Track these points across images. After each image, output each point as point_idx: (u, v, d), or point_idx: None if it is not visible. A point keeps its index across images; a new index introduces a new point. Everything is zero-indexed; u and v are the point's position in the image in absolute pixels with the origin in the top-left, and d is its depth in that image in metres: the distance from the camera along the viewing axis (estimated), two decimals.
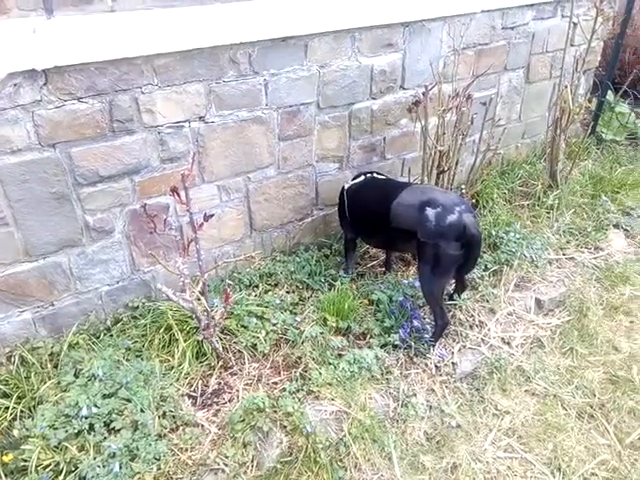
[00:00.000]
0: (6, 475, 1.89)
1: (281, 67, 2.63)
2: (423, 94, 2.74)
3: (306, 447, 1.98)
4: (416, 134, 3.35)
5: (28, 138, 2.11)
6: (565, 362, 2.54)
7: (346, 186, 2.87)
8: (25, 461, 1.90)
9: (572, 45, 3.92)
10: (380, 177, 2.91)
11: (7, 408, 2.14)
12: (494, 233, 3.18)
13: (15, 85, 2.01)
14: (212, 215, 2.05)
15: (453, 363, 2.45)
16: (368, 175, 2.90)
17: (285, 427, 2.05)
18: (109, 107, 2.24)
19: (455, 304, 2.73)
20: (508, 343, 2.59)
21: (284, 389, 2.27)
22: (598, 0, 3.19)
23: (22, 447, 1.93)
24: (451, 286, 2.80)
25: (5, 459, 1.90)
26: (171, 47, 2.27)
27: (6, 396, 2.19)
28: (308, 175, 3.05)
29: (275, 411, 2.12)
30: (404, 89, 3.17)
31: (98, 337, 2.57)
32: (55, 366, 2.39)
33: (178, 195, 1.93)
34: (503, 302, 2.78)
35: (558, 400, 2.36)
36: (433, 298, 2.51)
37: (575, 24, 3.66)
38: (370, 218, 2.75)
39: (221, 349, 2.44)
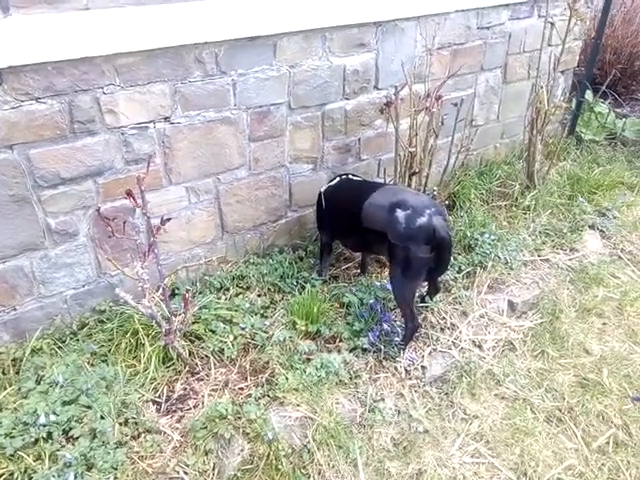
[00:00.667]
0: None
1: (249, 67, 2.59)
2: (394, 95, 2.71)
3: (268, 454, 1.95)
4: (391, 135, 3.30)
5: None
6: (536, 365, 2.52)
7: (322, 189, 2.87)
8: None
9: (550, 45, 3.91)
10: (356, 179, 2.89)
11: None
12: (469, 234, 3.16)
13: None
14: (169, 219, 2.01)
15: (423, 367, 2.43)
16: (343, 177, 2.88)
17: (248, 434, 2.02)
18: (69, 108, 2.19)
19: (427, 306, 2.71)
20: (479, 346, 2.57)
21: (250, 395, 2.24)
22: (572, 0, 3.17)
23: None
24: (424, 288, 2.78)
25: None
26: (133, 46, 2.22)
27: None
28: (281, 176, 3.01)
29: (239, 418, 2.08)
30: (378, 89, 3.14)
31: (64, 341, 2.52)
32: (17, 372, 2.34)
33: (133, 198, 1.89)
34: (476, 304, 2.76)
35: (527, 404, 2.34)
36: (404, 301, 2.48)
37: (552, 24, 3.64)
38: (344, 219, 2.72)
39: (187, 354, 2.41)
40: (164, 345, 2.27)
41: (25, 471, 1.87)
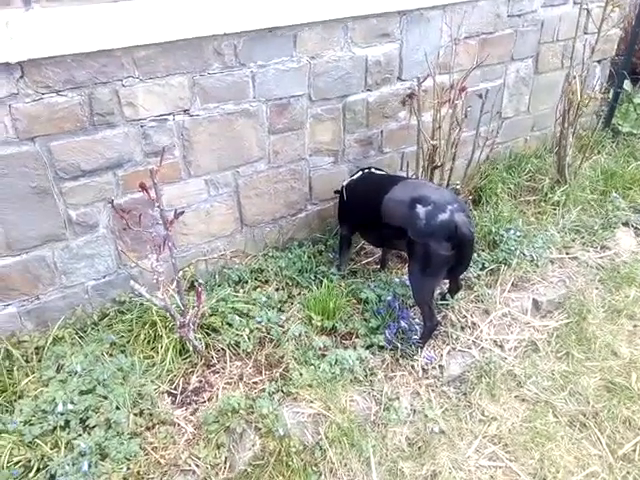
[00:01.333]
0: None
1: (269, 58, 2.56)
2: (417, 86, 2.63)
3: (279, 450, 1.94)
4: (415, 127, 3.21)
5: (6, 132, 2.09)
6: (560, 367, 2.43)
7: (345, 183, 2.83)
8: None
9: (585, 33, 3.74)
10: (378, 172, 2.83)
11: None
12: (494, 230, 3.06)
13: None
14: (182, 212, 2.01)
15: (441, 366, 2.37)
16: (366, 170, 2.83)
17: (260, 429, 2.01)
18: (89, 100, 2.20)
19: (447, 304, 2.64)
20: (501, 346, 2.49)
21: (263, 389, 2.23)
22: None
23: None
24: (445, 285, 2.71)
25: None
26: (152, 38, 2.22)
27: None
28: (301, 169, 2.98)
29: (251, 412, 2.07)
30: (402, 80, 3.06)
31: (85, 331, 2.56)
32: (40, 360, 2.39)
33: (147, 191, 1.88)
34: (498, 303, 2.68)
35: (549, 407, 2.26)
36: (422, 299, 2.43)
37: (588, 11, 3.48)
38: (365, 214, 2.68)
39: (203, 347, 2.41)
40: (179, 337, 2.28)
41: (42, 458, 1.90)
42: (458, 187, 2.91)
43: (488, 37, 3.30)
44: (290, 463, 1.91)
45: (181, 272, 2.78)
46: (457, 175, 3.12)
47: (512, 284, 2.79)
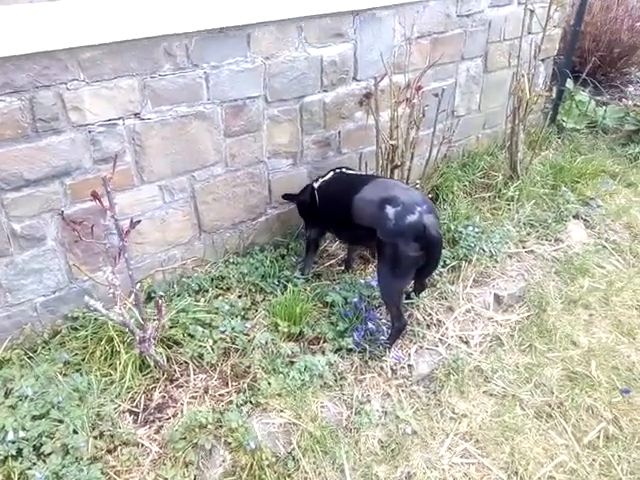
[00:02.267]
0: None
1: (222, 59, 2.48)
2: (374, 86, 2.62)
3: (251, 464, 1.87)
4: (372, 127, 3.20)
5: None
6: (524, 360, 2.48)
7: (316, 185, 2.77)
8: None
9: (530, 33, 3.84)
10: (349, 172, 2.81)
11: None
12: (453, 227, 3.10)
13: None
14: (139, 221, 1.91)
15: (409, 365, 2.36)
16: (337, 171, 2.79)
17: (229, 444, 1.93)
18: (30, 105, 2.06)
19: (412, 303, 2.64)
20: (466, 342, 2.52)
21: (231, 402, 2.15)
22: None
23: None
24: (410, 286, 2.71)
25: None
26: (97, 39, 2.10)
27: None
28: (259, 172, 2.91)
29: (220, 426, 2.00)
30: (357, 80, 3.05)
31: (35, 351, 2.40)
32: None
33: (99, 200, 1.78)
34: (462, 299, 2.70)
35: (516, 400, 2.30)
36: (391, 299, 2.41)
37: (532, 11, 3.58)
38: (336, 214, 2.63)
39: (165, 361, 2.31)
40: (139, 353, 2.17)
41: None
42: (418, 185, 2.92)
43: (439, 37, 3.34)
44: (263, 477, 1.85)
45: (138, 284, 2.68)
46: (415, 174, 3.15)
47: (473, 280, 2.83)
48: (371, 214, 2.35)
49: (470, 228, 3.07)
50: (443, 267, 2.89)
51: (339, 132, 3.15)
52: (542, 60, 4.22)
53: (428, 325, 2.57)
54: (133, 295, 2.00)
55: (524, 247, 3.13)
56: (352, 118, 3.15)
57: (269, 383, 2.17)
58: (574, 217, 3.41)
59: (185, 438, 1.94)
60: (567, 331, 2.62)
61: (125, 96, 2.28)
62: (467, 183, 3.70)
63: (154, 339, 2.06)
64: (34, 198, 2.21)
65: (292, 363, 2.29)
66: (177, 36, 2.30)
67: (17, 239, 2.25)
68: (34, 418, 2.00)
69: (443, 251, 2.94)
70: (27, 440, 1.92)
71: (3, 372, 2.23)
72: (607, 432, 2.17)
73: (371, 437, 2.11)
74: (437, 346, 2.46)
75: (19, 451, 1.89)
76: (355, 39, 2.92)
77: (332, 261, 3.08)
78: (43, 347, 2.43)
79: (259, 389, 2.17)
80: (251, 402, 2.14)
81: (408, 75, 2.98)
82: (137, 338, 1.99)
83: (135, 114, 2.34)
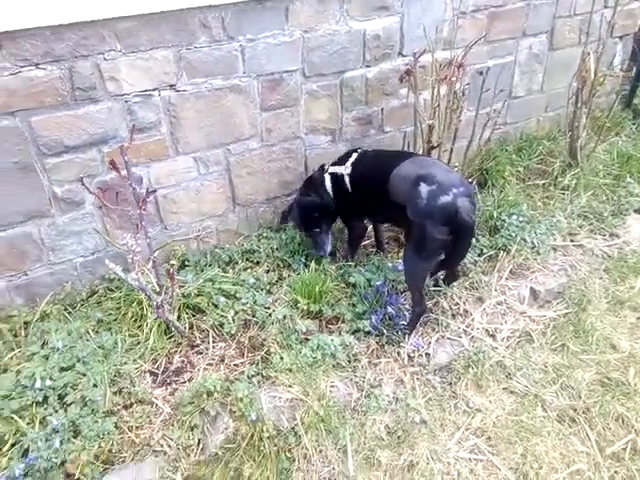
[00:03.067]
0: None
1: (259, 32, 2.46)
2: (414, 61, 2.51)
3: (251, 435, 1.90)
4: (422, 107, 3.11)
5: None
6: (554, 359, 2.33)
7: (344, 170, 2.58)
8: None
9: (606, 7, 3.52)
10: (380, 150, 2.75)
11: None
12: (496, 215, 2.94)
13: None
14: (154, 191, 1.97)
15: (427, 354, 2.30)
16: (359, 151, 2.67)
17: (234, 412, 1.98)
18: (69, 74, 2.16)
19: (440, 291, 2.55)
20: (493, 336, 2.40)
21: (243, 372, 2.20)
22: None
23: None
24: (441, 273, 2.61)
25: None
26: (134, 10, 2.15)
27: None
28: (296, 148, 2.89)
29: (228, 395, 2.04)
30: (403, 56, 2.93)
31: (74, 307, 2.57)
32: (27, 335, 2.40)
33: (117, 169, 1.83)
34: (494, 290, 2.57)
35: (538, 400, 2.17)
36: (413, 282, 2.34)
37: None
38: (372, 194, 2.49)
39: (188, 327, 2.39)
40: (156, 318, 2.25)
41: (16, 433, 1.91)
42: (457, 169, 2.78)
43: (498, 10, 3.13)
44: (262, 448, 1.88)
45: (172, 251, 2.78)
46: (457, 157, 2.99)
47: (510, 271, 2.68)
48: (405, 191, 2.23)
49: (514, 217, 2.90)
50: (479, 256, 2.76)
51: (382, 109, 3.05)
52: (620, 37, 3.86)
53: (454, 315, 2.48)
54: (151, 262, 2.07)
55: (572, 240, 2.91)
56: (396, 95, 3.04)
57: (281, 358, 2.19)
58: (636, 211, 3.12)
59: (193, 403, 2.01)
60: (607, 333, 2.42)
61: (160, 67, 2.33)
62: (521, 168, 3.49)
63: (170, 305, 2.12)
64: (73, 164, 2.33)
65: (307, 340, 2.30)
66: (213, 8, 2.30)
67: (58, 202, 2.38)
68: (62, 369, 2.14)
69: (482, 239, 2.83)
70: (53, 389, 2.06)
71: (42, 325, 2.40)
72: (635, 444, 2.01)
73: (378, 422, 2.08)
74: (460, 337, 2.37)
75: (45, 398, 2.04)
76: (402, 12, 2.79)
77: (365, 242, 3.02)
78: (81, 304, 2.58)
79: (271, 362, 2.20)
80: (262, 375, 2.18)
81: (458, 52, 2.81)
82: (154, 303, 2.06)
83: (170, 85, 2.39)
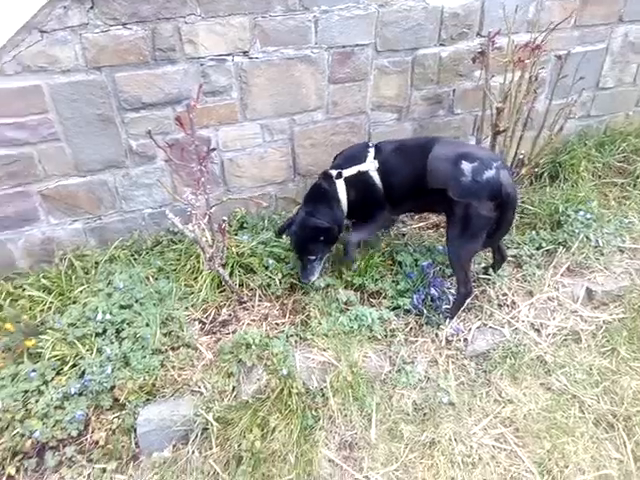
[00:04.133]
0: (27, 357, 2.17)
1: (334, 4, 2.49)
2: (488, 41, 2.43)
3: (281, 389, 2.00)
4: (493, 89, 3.01)
5: (76, 59, 2.26)
6: (601, 362, 2.24)
7: (370, 166, 2.40)
8: (42, 349, 2.16)
9: None
10: (402, 140, 2.61)
11: (46, 302, 2.42)
12: (561, 209, 2.81)
13: (64, 7, 2.14)
14: (214, 149, 2.08)
15: (466, 339, 2.28)
16: (372, 145, 2.48)
17: (269, 366, 2.08)
18: (152, 35, 2.30)
19: (489, 279, 2.51)
20: (537, 330, 2.33)
21: (282, 331, 2.30)
22: None
23: (41, 337, 2.19)
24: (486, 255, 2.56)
25: (28, 343, 2.18)
26: None
27: (49, 292, 2.48)
28: (360, 123, 2.92)
29: (265, 349, 2.15)
30: (481, 37, 2.84)
31: (139, 254, 2.78)
32: (95, 274, 2.63)
33: (182, 125, 1.96)
34: (547, 286, 2.49)
35: (577, 401, 2.11)
36: (459, 264, 2.31)
37: None
38: (407, 183, 2.37)
39: (238, 284, 2.52)
40: (208, 269, 2.39)
41: (76, 356, 2.14)
42: (523, 157, 2.67)
43: None
44: (289, 403, 1.97)
45: (232, 213, 2.92)
46: (525, 146, 2.88)
47: (567, 268, 2.57)
48: (446, 171, 2.19)
49: (581, 213, 2.77)
50: (537, 249, 2.67)
51: (453, 90, 2.99)
52: None
53: (500, 305, 2.43)
54: (207, 217, 2.20)
55: None
56: (470, 77, 2.97)
57: (320, 323, 2.27)
58: None
59: (232, 352, 2.14)
60: None
61: (236, 33, 2.42)
62: (599, 165, 3.30)
63: (220, 259, 2.25)
64: (149, 120, 2.49)
65: (347, 310, 2.35)
66: None
67: (133, 155, 2.58)
68: (121, 307, 2.34)
69: (542, 232, 2.75)
70: (111, 323, 2.27)
71: (110, 266, 2.63)
72: None
73: (406, 397, 2.12)
74: (502, 327, 2.33)
75: (104, 331, 2.26)
76: None
77: (421, 224, 3.01)
78: (145, 252, 2.79)
79: (310, 326, 2.28)
80: (299, 336, 2.27)
81: (541, 37, 2.68)
82: (206, 256, 2.20)
83: (244, 52, 2.49)
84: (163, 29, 2.31)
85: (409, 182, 2.36)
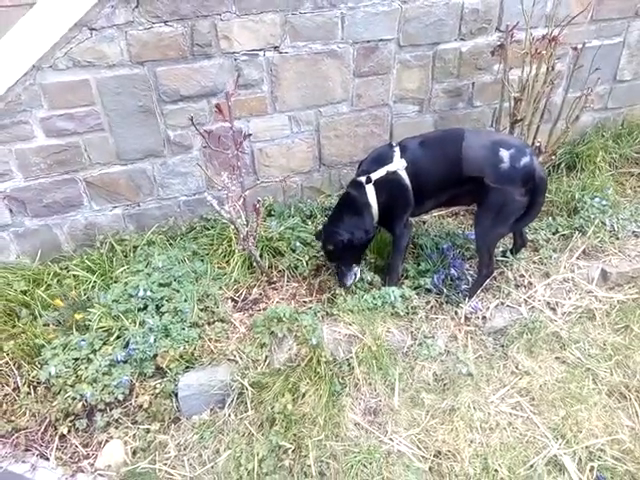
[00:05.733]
0: (76, 329, 2.36)
1: (359, 1, 2.64)
2: (507, 34, 2.55)
3: (310, 358, 2.15)
4: (512, 82, 3.12)
5: (121, 55, 2.44)
6: (614, 339, 2.34)
7: (399, 165, 2.39)
8: (89, 321, 2.35)
9: None
10: (425, 134, 2.59)
11: (90, 281, 2.61)
12: (578, 196, 2.92)
13: (112, 7, 2.33)
14: (250, 134, 2.24)
15: (484, 317, 2.40)
16: (396, 145, 2.48)
17: (298, 337, 2.23)
18: (190, 31, 2.48)
19: (507, 261, 2.62)
20: (553, 309, 2.44)
21: (310, 307, 2.45)
22: None
23: (89, 310, 2.38)
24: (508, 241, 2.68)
25: (77, 316, 2.37)
26: None
27: (93, 272, 2.67)
28: (383, 115, 3.06)
29: (295, 322, 2.29)
30: (500, 32, 2.96)
31: (174, 239, 2.96)
32: (134, 256, 2.82)
33: (221, 112, 2.12)
34: (563, 268, 2.59)
35: (590, 373, 2.21)
36: (486, 246, 2.42)
37: None
38: (443, 174, 2.39)
39: (267, 266, 2.68)
40: (242, 249, 2.56)
41: (120, 329, 2.32)
42: (539, 145, 2.77)
43: None
44: (318, 370, 2.12)
45: (261, 201, 3.08)
46: (542, 136, 2.98)
47: (583, 251, 2.68)
48: (483, 159, 2.27)
49: (597, 199, 2.87)
50: (553, 234, 2.78)
51: (473, 83, 3.11)
52: None
53: (517, 285, 2.55)
54: (242, 199, 2.36)
55: None
56: (489, 70, 3.09)
57: (345, 300, 2.41)
58: None
59: (265, 325, 2.29)
60: None
61: (268, 30, 2.59)
62: (616, 156, 3.39)
63: (254, 239, 2.41)
64: (186, 112, 2.67)
65: (370, 289, 2.49)
66: None
67: (170, 144, 2.76)
68: (160, 285, 2.52)
69: (558, 218, 2.85)
70: (152, 299, 2.45)
71: (148, 249, 2.81)
72: None
73: (427, 368, 2.25)
74: (520, 306, 2.44)
75: (145, 306, 2.44)
76: None
77: (442, 212, 3.14)
78: (180, 238, 2.97)
79: (336, 303, 2.43)
80: (326, 312, 2.42)
81: (558, 30, 2.79)
82: (240, 235, 2.36)
83: (274, 47, 2.65)
84: (201, 26, 2.48)
85: (441, 174, 2.39)
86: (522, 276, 2.58)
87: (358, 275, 2.54)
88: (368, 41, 2.78)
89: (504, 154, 2.23)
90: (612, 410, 2.09)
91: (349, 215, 2.48)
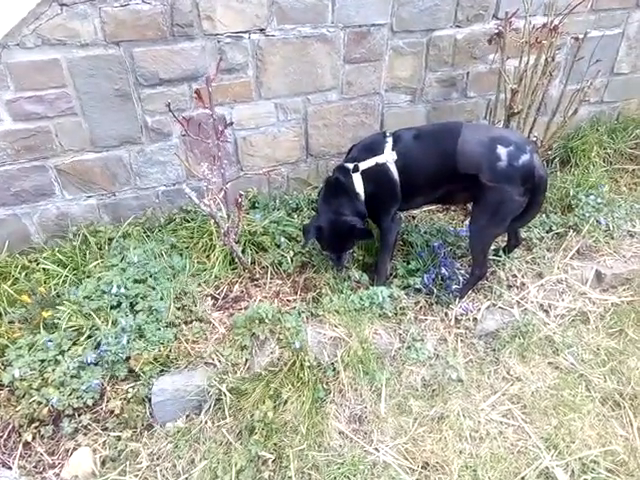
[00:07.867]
0: (43, 328, 2.21)
1: None
2: (505, 22, 2.43)
3: (293, 362, 2.04)
4: (508, 72, 3.00)
5: (95, 34, 2.27)
6: (608, 343, 2.26)
7: (388, 158, 2.28)
8: (58, 319, 2.20)
9: None
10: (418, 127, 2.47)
11: (61, 276, 2.46)
12: (572, 193, 2.83)
13: None
14: (232, 123, 2.09)
15: (475, 319, 2.31)
16: (389, 134, 2.36)
17: (281, 340, 2.12)
18: (170, 10, 2.31)
19: (499, 261, 2.53)
20: (546, 311, 2.36)
21: (294, 307, 2.33)
22: None
23: (58, 307, 2.23)
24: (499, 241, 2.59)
25: (44, 314, 2.22)
26: None
27: (64, 266, 2.52)
28: (374, 104, 2.92)
29: (277, 324, 2.18)
30: (497, 19, 2.83)
31: (152, 231, 2.81)
32: (109, 249, 2.66)
33: (201, 98, 1.97)
34: (556, 268, 2.51)
35: (584, 380, 2.14)
36: (480, 246, 2.31)
37: None
38: (435, 169, 2.27)
39: (250, 262, 2.55)
40: (222, 245, 2.42)
41: (92, 328, 2.18)
42: (536, 139, 2.67)
43: None
44: (301, 375, 2.01)
45: (245, 192, 2.94)
46: (538, 129, 2.88)
47: (577, 251, 2.59)
48: (480, 156, 2.14)
49: (592, 197, 2.78)
50: (547, 232, 2.69)
51: (467, 73, 2.99)
52: None
53: (509, 286, 2.45)
54: (223, 192, 2.22)
55: None
56: (485, 59, 2.96)
57: (331, 300, 2.30)
58: None
59: (246, 326, 2.17)
60: None
61: (254, 10, 2.42)
62: (611, 151, 3.31)
63: (235, 234, 2.28)
64: (165, 96, 2.50)
65: (358, 288, 2.38)
66: None
67: (148, 131, 2.59)
68: (135, 281, 2.38)
69: (552, 216, 2.76)
70: (126, 297, 2.31)
71: (123, 242, 2.66)
72: None
73: (415, 373, 2.15)
74: (512, 307, 2.35)
75: (119, 304, 2.30)
76: None
77: (432, 207, 3.02)
78: (158, 230, 2.82)
79: (321, 303, 2.31)
80: (311, 312, 2.30)
81: (559, 18, 2.67)
82: (222, 231, 2.23)
83: (261, 29, 2.49)
84: (182, 4, 2.31)
85: (435, 170, 2.26)
86: (515, 276, 2.49)
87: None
88: (360, 25, 2.63)
89: (502, 152, 2.10)
90: (606, 419, 2.02)
91: (344, 201, 2.34)
